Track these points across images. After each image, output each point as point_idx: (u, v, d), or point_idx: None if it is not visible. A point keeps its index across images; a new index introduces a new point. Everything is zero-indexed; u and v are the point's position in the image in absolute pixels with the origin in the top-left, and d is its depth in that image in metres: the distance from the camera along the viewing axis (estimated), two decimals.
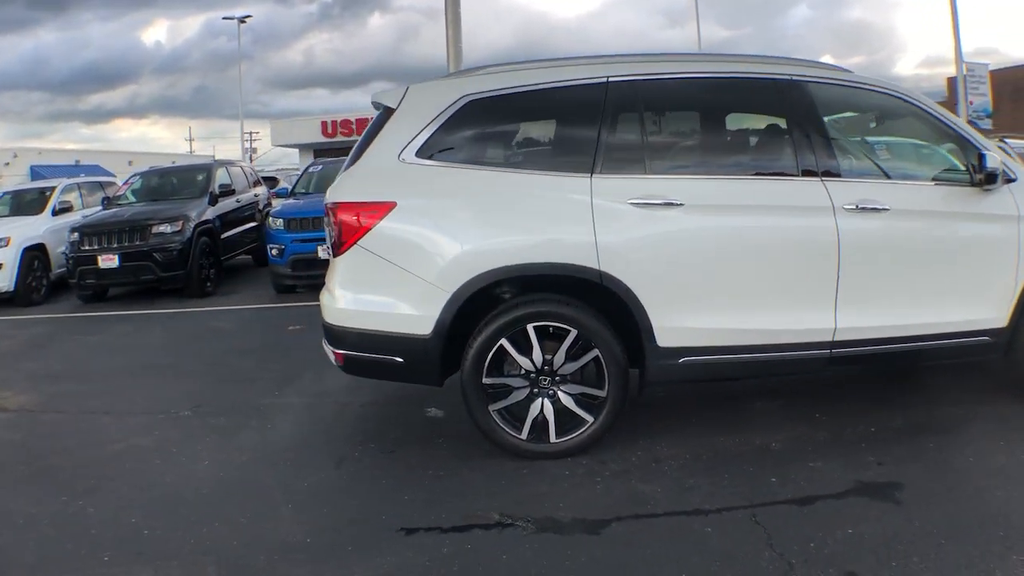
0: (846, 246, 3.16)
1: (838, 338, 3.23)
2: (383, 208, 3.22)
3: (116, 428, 4.05)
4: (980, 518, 2.58)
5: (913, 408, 3.60)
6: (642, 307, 3.16)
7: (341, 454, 3.54)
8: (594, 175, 3.20)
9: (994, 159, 3.13)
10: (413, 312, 3.23)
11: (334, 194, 3.36)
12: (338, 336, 3.38)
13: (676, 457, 3.24)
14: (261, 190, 11.30)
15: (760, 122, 3.36)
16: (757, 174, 3.31)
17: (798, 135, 3.24)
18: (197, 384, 4.89)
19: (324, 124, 27.61)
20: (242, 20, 30.30)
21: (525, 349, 3.21)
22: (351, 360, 3.39)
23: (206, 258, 8.65)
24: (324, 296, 3.58)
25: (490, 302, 3.24)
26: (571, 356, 3.22)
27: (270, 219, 8.39)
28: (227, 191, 9.56)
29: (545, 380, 3.25)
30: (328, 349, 3.57)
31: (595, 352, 3.20)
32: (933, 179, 3.40)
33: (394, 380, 3.68)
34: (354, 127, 26.10)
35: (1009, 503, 2.65)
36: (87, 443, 3.84)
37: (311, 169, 9.91)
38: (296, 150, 30.46)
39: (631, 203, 3.16)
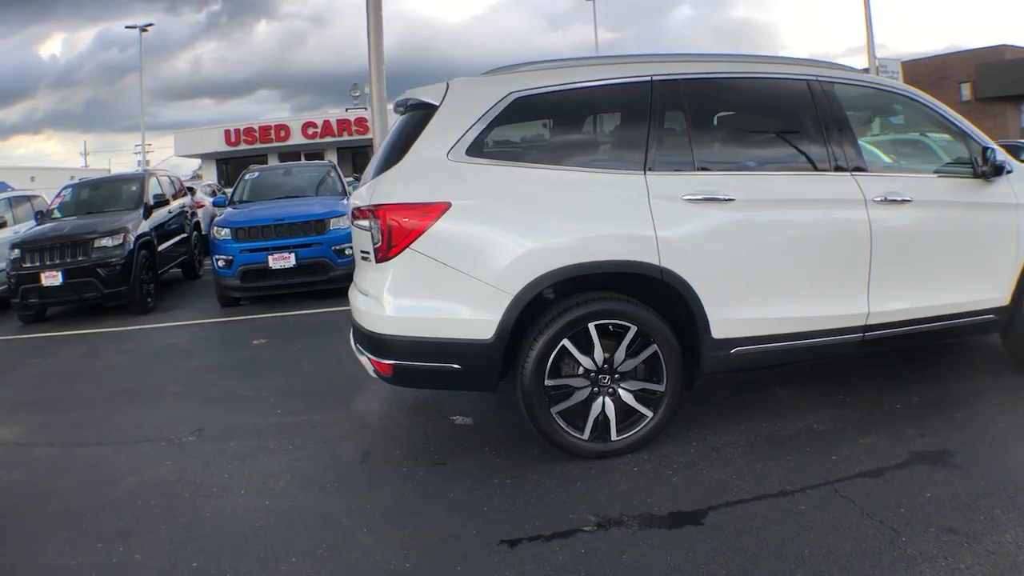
0: (877, 235, 3.38)
1: (870, 322, 3.44)
2: (436, 209, 3.10)
3: (121, 460, 3.65)
4: None
5: (923, 385, 3.87)
6: (699, 300, 3.22)
7: (389, 470, 3.36)
8: (648, 172, 3.23)
9: (1001, 153, 3.47)
10: (473, 316, 3.12)
11: (379, 195, 3.19)
12: (387, 345, 3.21)
13: (732, 445, 3.33)
14: (187, 200, 10.58)
15: (795, 120, 3.52)
16: (796, 170, 3.46)
17: (829, 132, 3.43)
18: (186, 407, 4.49)
19: (227, 133, 26.77)
20: (144, 29, 28.24)
21: (586, 348, 3.19)
22: (401, 370, 3.22)
23: (146, 272, 8.03)
24: (361, 302, 3.39)
25: (542, 303, 3.19)
26: (631, 353, 3.23)
27: (215, 229, 7.87)
28: (161, 202, 8.94)
29: (605, 379, 3.24)
30: (366, 360, 3.38)
31: (653, 347, 3.23)
32: (935, 172, 3.71)
33: (445, 388, 3.54)
34: (257, 135, 25.57)
35: None
36: (97, 479, 3.44)
37: (247, 176, 9.41)
38: (197, 161, 29.04)
39: (685, 199, 3.22)
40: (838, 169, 3.42)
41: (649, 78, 3.35)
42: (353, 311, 3.58)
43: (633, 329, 3.20)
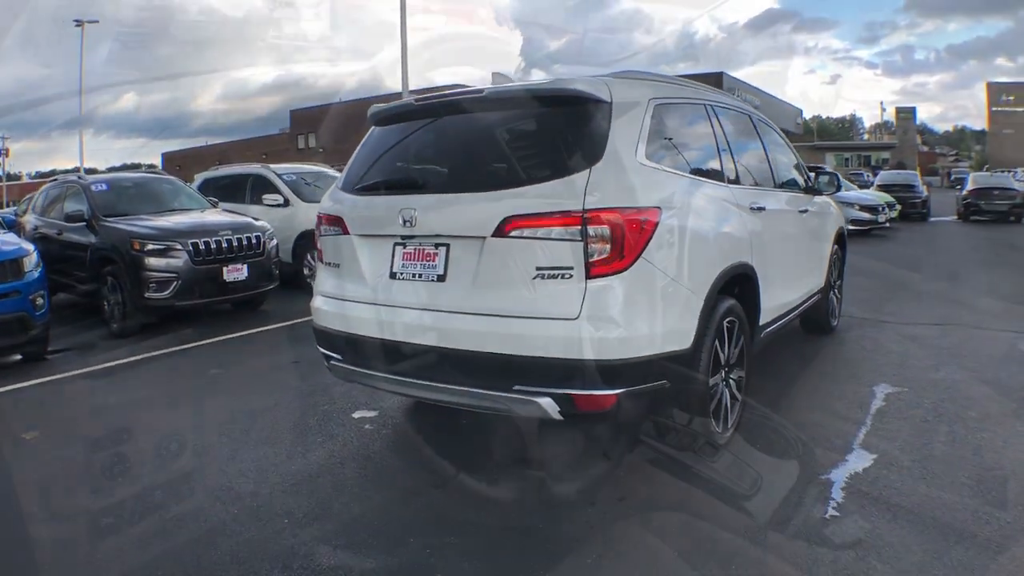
0: (801, 237, 4.65)
1: (798, 303, 4.68)
2: (655, 214, 2.91)
3: None
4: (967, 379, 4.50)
5: (789, 351, 5.25)
6: (760, 292, 3.85)
7: (620, 506, 2.94)
8: (727, 184, 3.69)
9: (839, 178, 5.18)
10: (679, 325, 3.04)
11: (601, 198, 2.73)
12: (618, 373, 2.80)
13: (793, 402, 4.12)
14: None
15: (758, 144, 4.44)
16: (773, 185, 4.41)
17: (770, 155, 4.52)
18: (114, 550, 2.67)
19: None
20: None
21: (723, 345, 3.43)
22: (627, 400, 2.82)
23: None
24: (569, 329, 2.77)
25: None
26: (734, 345, 3.61)
27: None
28: None
29: (723, 372, 3.53)
30: (548, 401, 2.81)
31: (742, 338, 3.69)
32: (780, 186, 5.20)
33: (652, 410, 3.11)
34: None
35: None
36: None
37: None
38: None
39: (749, 207, 3.81)
40: (779, 186, 4.55)
41: (704, 101, 3.80)
42: (504, 343, 2.85)
43: (738, 323, 3.60)
